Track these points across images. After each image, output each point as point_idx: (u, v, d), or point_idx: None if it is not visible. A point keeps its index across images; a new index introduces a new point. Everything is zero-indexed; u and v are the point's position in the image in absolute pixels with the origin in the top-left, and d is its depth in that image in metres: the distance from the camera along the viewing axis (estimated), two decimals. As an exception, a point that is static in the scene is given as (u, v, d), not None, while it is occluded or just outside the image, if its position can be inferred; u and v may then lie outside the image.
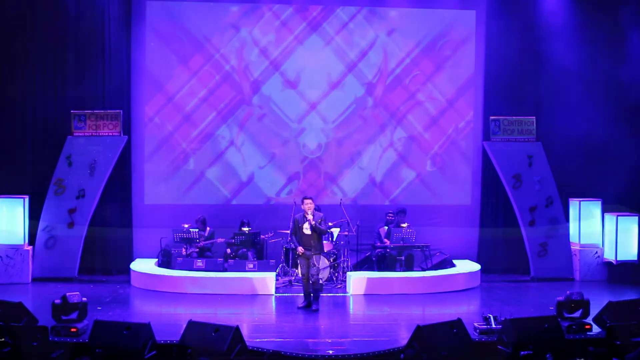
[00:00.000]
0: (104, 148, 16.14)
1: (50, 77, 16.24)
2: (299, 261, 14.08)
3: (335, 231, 16.81)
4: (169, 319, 13.10)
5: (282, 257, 16.68)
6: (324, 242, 14.38)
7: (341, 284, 16.15)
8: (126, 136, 16.51)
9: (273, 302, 14.55)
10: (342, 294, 15.34)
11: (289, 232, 14.86)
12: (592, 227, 17.66)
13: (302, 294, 14.07)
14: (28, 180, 16.27)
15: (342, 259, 16.50)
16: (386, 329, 12.41)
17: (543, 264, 17.62)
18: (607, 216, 17.42)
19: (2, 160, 16.51)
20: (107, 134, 15.85)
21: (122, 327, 9.53)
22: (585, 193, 17.85)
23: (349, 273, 15.98)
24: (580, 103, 18.02)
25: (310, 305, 13.68)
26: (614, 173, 17.89)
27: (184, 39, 17.45)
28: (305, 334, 12.09)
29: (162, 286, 15.65)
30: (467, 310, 14.06)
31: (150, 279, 16.04)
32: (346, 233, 16.72)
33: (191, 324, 10.11)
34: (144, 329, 9.54)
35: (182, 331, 10.08)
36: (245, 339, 10.15)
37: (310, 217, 13.26)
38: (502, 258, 18.19)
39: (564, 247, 17.60)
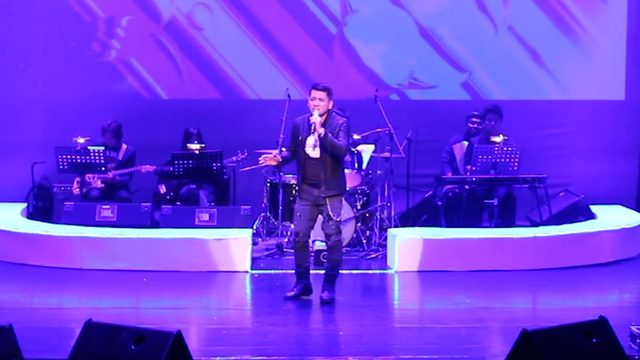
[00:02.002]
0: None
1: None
2: (295, 207, 11.51)
3: (367, 151, 14.08)
4: (47, 317, 10.66)
5: (265, 201, 14.17)
6: (347, 171, 12.09)
7: (377, 251, 13.51)
8: None
9: (247, 286, 12.40)
10: (379, 271, 13.05)
11: (278, 151, 12.60)
12: None
13: (295, 272, 11.62)
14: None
15: (379, 203, 13.91)
16: (464, 336, 9.92)
17: None
18: None
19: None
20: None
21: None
22: None
23: (391, 231, 13.24)
24: None
25: (308, 291, 11.27)
26: None
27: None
28: (306, 348, 9.70)
29: (34, 256, 12.94)
30: (618, 303, 11.71)
31: (10, 242, 13.17)
32: (387, 155, 13.85)
33: (90, 328, 7.94)
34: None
35: (73, 341, 7.87)
36: (194, 356, 7.71)
37: (317, 120, 10.46)
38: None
39: None
